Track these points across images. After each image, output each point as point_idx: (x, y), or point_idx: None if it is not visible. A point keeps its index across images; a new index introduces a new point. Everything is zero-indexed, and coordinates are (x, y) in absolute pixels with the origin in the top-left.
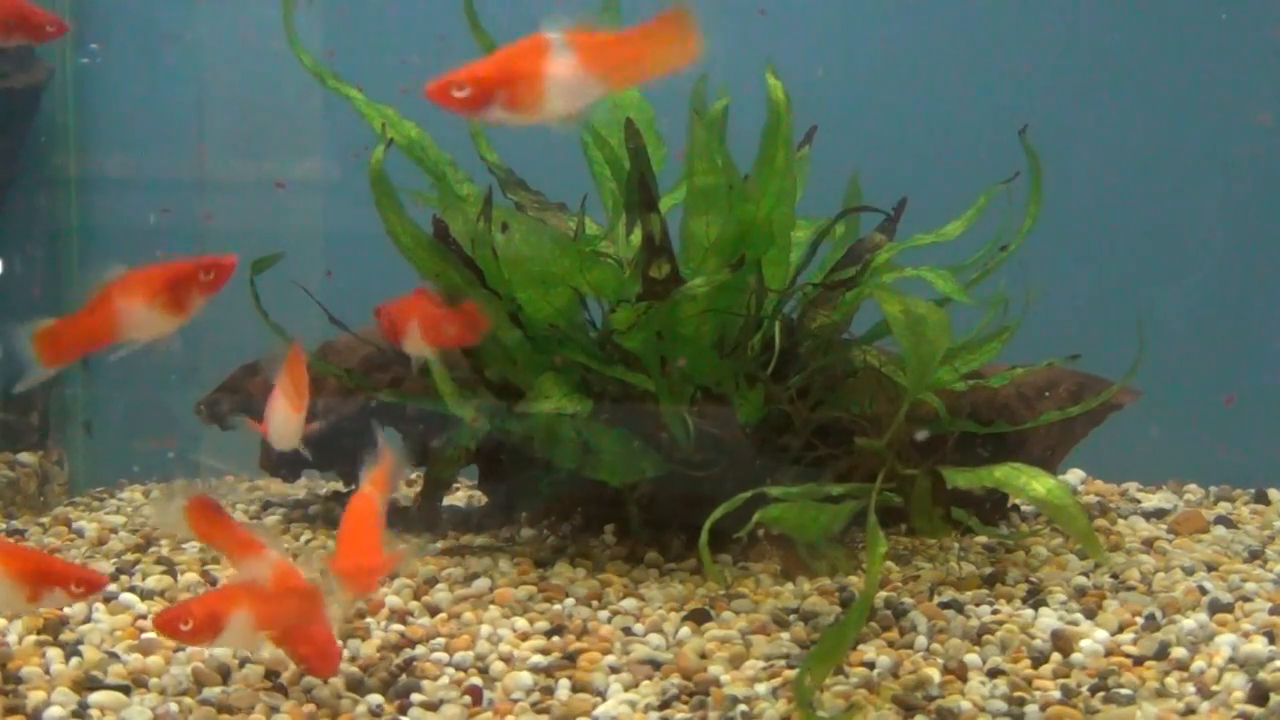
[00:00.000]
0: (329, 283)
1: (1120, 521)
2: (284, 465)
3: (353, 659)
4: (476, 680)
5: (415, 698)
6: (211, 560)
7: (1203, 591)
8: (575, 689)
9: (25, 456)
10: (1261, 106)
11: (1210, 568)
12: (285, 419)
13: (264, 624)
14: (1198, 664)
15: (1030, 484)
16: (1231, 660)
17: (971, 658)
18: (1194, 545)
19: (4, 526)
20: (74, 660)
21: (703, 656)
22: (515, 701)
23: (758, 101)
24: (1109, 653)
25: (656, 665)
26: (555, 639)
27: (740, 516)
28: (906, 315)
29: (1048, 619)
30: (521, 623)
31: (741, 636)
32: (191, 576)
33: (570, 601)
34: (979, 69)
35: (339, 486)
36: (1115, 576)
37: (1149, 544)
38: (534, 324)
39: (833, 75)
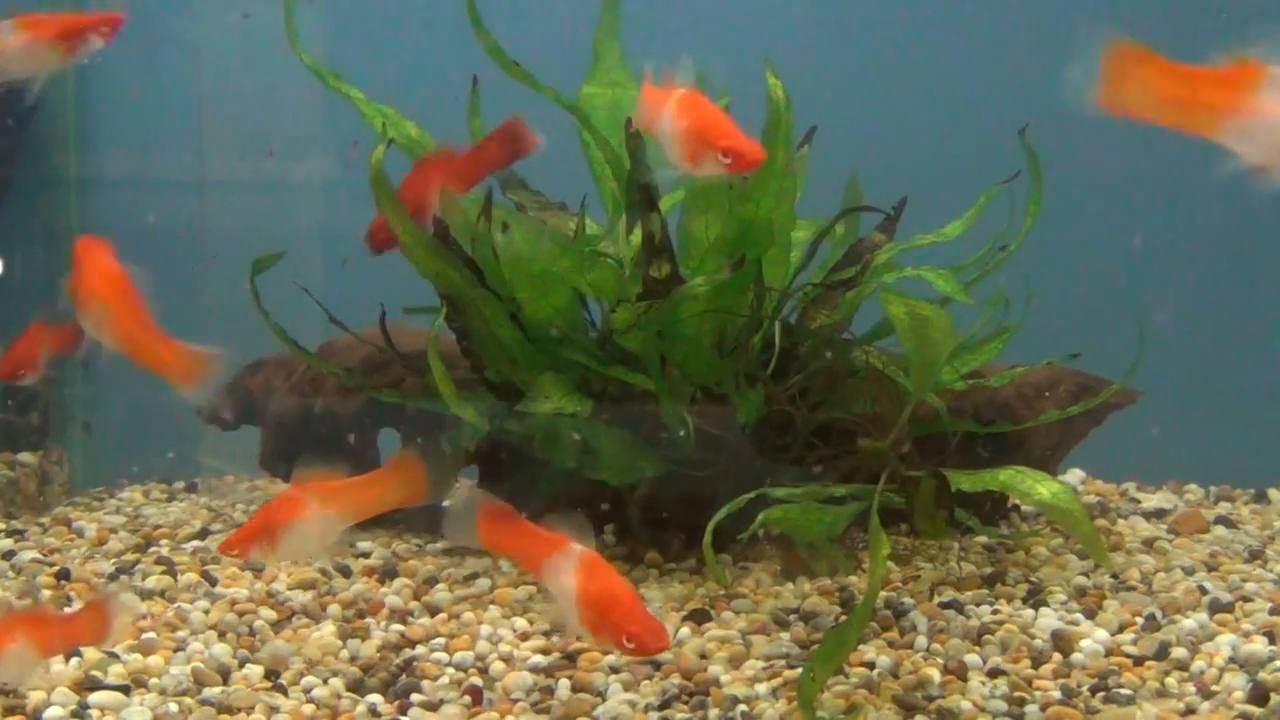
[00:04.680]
0: (328, 283)
1: (1120, 521)
2: (284, 464)
3: (353, 659)
4: (476, 680)
5: (415, 698)
6: (212, 560)
7: (1203, 591)
8: (575, 689)
9: (25, 456)
10: None
11: (1210, 568)
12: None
13: (46, 650)
14: (1198, 664)
15: (1035, 488)
16: (1231, 660)
17: (971, 658)
18: (1194, 545)
19: (4, 526)
20: (74, 660)
21: (703, 656)
22: (515, 701)
23: (758, 101)
24: (1109, 653)
25: (656, 665)
26: (555, 639)
27: (742, 517)
28: (911, 317)
29: (1048, 619)
30: (521, 623)
31: (741, 636)
32: (191, 576)
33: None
34: (979, 69)
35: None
36: (1115, 576)
37: (1149, 544)
38: (534, 324)
39: (833, 75)
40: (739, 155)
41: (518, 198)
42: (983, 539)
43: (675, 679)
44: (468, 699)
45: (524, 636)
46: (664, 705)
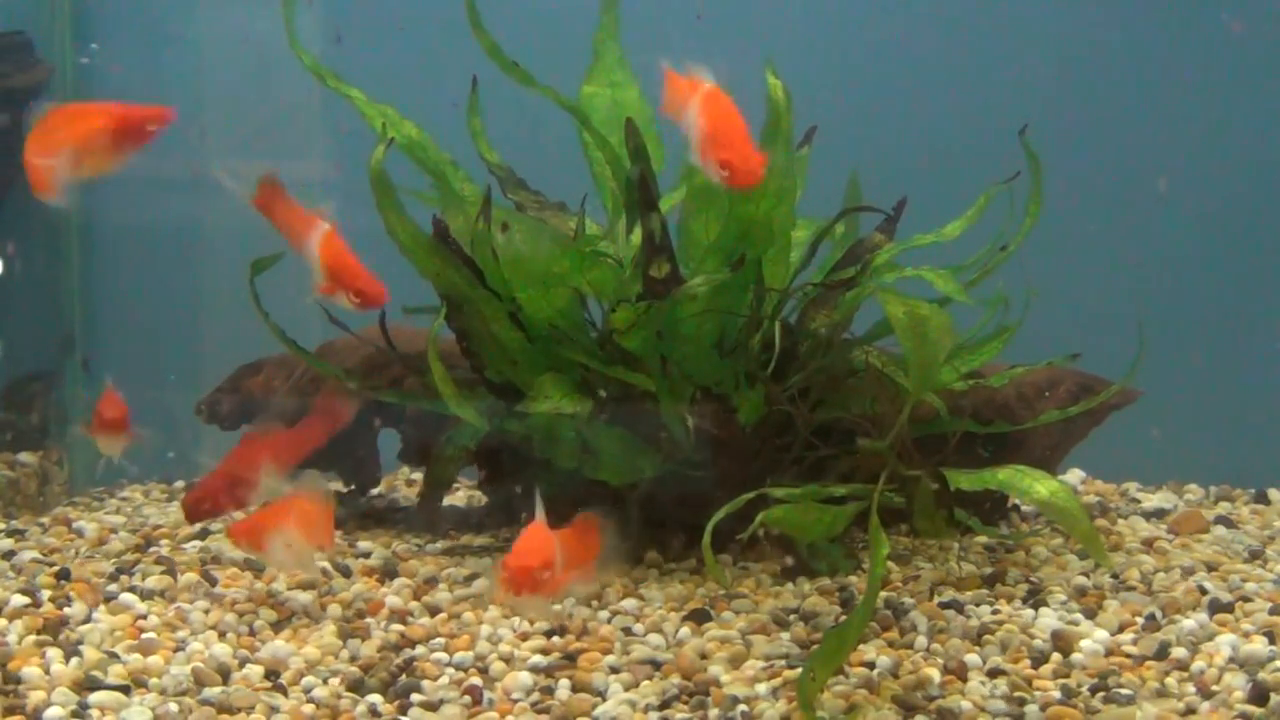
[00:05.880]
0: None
1: (1120, 521)
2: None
3: (353, 659)
4: (476, 680)
5: (415, 698)
6: (212, 560)
7: (1203, 591)
8: (575, 689)
9: (25, 456)
10: (1262, 105)
11: (1210, 568)
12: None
13: None
14: (1198, 664)
15: (1034, 486)
16: (1231, 660)
17: (971, 658)
18: (1194, 545)
19: (4, 526)
20: (74, 660)
21: (703, 656)
22: (515, 701)
23: (758, 101)
24: (1109, 653)
25: (656, 665)
26: (555, 639)
27: (741, 517)
28: (909, 317)
29: (1048, 619)
30: (522, 623)
31: (741, 636)
32: (192, 576)
33: (570, 601)
34: (979, 69)
35: (339, 486)
36: (1115, 576)
37: (1149, 544)
38: (534, 324)
39: (833, 75)
40: (733, 171)
41: (518, 198)
42: (983, 539)
43: (675, 679)
44: (468, 699)
45: (524, 636)
46: (664, 705)
